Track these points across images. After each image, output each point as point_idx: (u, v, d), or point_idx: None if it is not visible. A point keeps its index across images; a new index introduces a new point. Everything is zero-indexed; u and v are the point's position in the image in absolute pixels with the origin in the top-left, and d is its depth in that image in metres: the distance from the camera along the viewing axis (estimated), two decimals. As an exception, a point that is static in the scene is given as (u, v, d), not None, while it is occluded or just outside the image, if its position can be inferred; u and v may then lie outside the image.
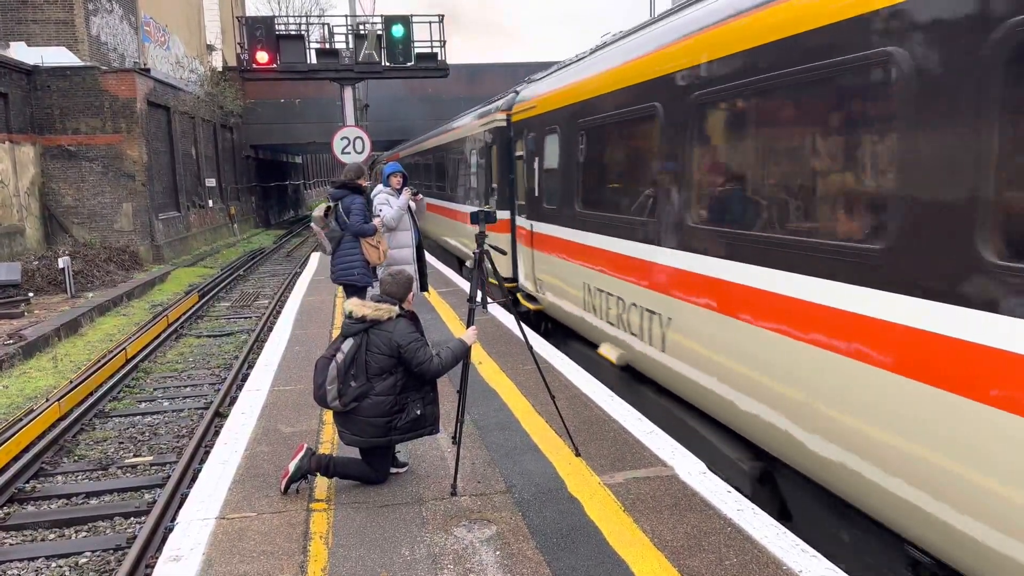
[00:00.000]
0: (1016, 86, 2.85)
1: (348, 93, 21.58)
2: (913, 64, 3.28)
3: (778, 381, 4.34)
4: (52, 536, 6.05)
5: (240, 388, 7.90)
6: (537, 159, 9.35)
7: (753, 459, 4.96)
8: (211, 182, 31.00)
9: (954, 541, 3.21)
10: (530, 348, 5.41)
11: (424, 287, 8.50)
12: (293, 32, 22.37)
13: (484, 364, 7.46)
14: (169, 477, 6.86)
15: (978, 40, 2.96)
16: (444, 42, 22.76)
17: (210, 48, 41.35)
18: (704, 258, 5.14)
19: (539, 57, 58.61)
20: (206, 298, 17.01)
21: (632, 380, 6.82)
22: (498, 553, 3.84)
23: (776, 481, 4.86)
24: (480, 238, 5.36)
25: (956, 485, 3.15)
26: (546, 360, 7.33)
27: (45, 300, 15.57)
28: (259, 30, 20.64)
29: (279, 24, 23.05)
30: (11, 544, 5.91)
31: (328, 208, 7.58)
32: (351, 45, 21.64)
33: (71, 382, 9.95)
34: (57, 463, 7.50)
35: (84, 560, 5.62)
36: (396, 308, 4.58)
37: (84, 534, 6.07)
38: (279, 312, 12.14)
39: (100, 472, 7.30)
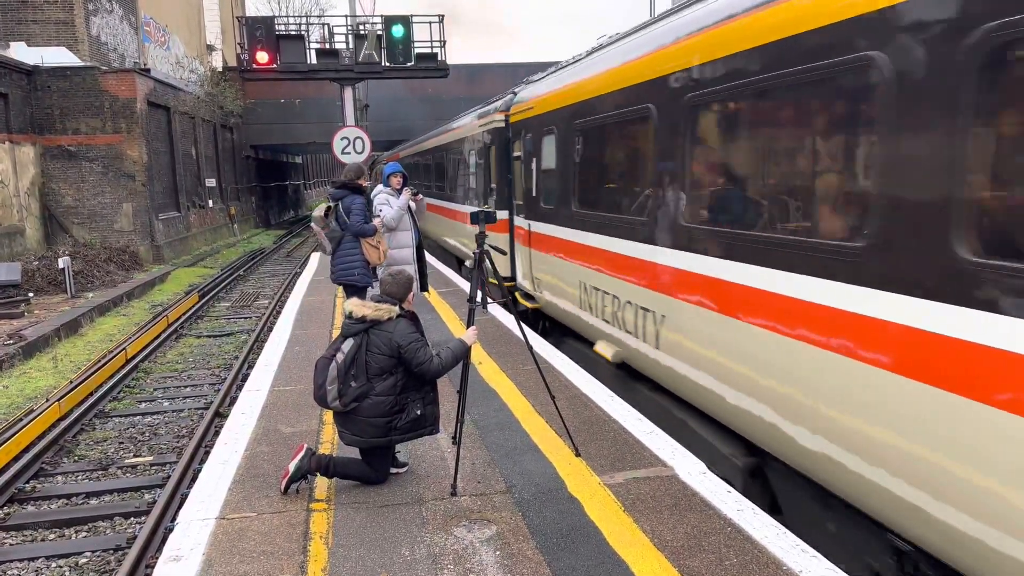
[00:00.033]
0: (988, 92, 2.94)
1: (348, 93, 21.59)
2: (893, 68, 3.36)
3: (767, 376, 4.43)
4: (52, 536, 6.06)
5: (240, 388, 7.90)
6: (535, 159, 9.45)
7: (747, 455, 5.04)
8: (211, 182, 31.00)
9: (927, 525, 3.34)
10: (530, 348, 5.41)
11: (424, 287, 8.51)
12: (293, 32, 22.37)
13: (484, 364, 7.46)
14: (169, 477, 6.86)
15: (951, 48, 3.05)
16: (444, 42, 22.77)
17: (210, 48, 41.37)
18: (698, 257, 5.22)
19: (539, 57, 58.70)
20: (206, 298, 17.02)
21: (628, 377, 6.87)
22: (498, 553, 3.84)
23: (767, 476, 4.93)
24: (480, 238, 5.36)
25: (936, 476, 3.23)
26: (546, 360, 7.34)
27: (45, 300, 15.57)
28: (259, 30, 20.65)
29: (279, 24, 23.05)
30: (11, 544, 5.91)
31: (328, 208, 7.58)
32: (351, 45, 21.64)
33: (71, 382, 9.95)
34: (57, 463, 7.50)
35: (84, 560, 5.62)
36: (396, 308, 4.58)
37: (84, 534, 6.08)
38: (279, 312, 12.14)
39: (100, 472, 7.30)
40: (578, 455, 5.05)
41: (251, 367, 8.55)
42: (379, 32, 21.33)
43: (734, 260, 4.71)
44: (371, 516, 4.31)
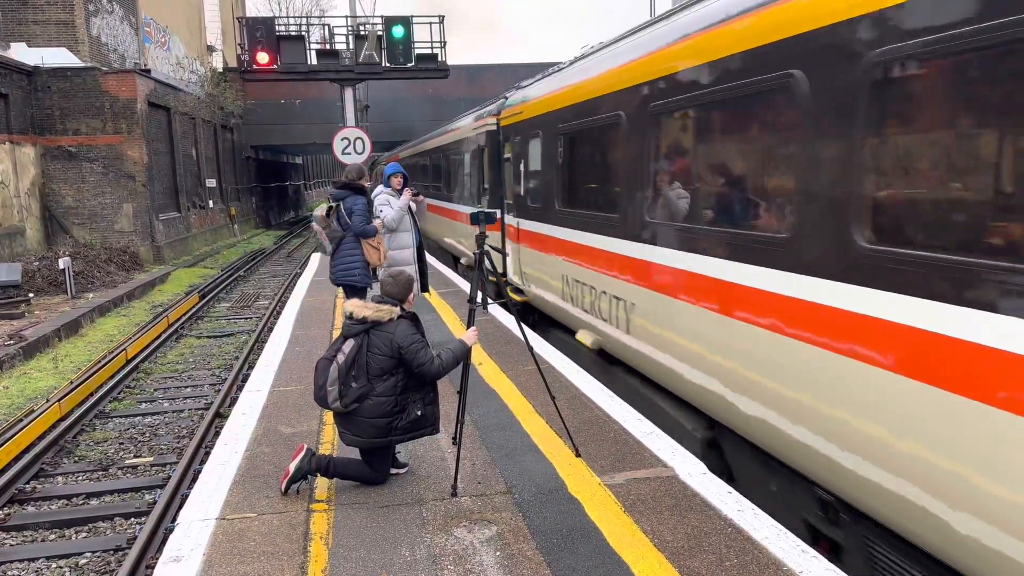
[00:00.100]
0: (879, 104, 3.48)
1: (348, 94, 21.58)
2: (808, 84, 3.91)
3: (714, 352, 4.97)
4: (52, 537, 6.06)
5: (240, 389, 7.91)
6: (523, 161, 10.01)
7: (707, 429, 5.54)
8: (211, 183, 31.02)
9: (844, 479, 3.83)
10: (530, 348, 5.42)
11: (425, 288, 8.52)
12: (293, 33, 22.35)
13: (484, 365, 7.47)
14: (169, 478, 6.86)
15: (848, 68, 3.62)
16: (444, 43, 22.78)
17: (210, 49, 41.40)
18: (658, 249, 5.81)
19: (539, 58, 58.63)
20: (206, 299, 17.02)
21: (605, 364, 7.43)
22: (498, 554, 3.84)
23: (722, 447, 5.43)
24: (481, 239, 5.36)
25: (847, 432, 3.70)
26: (546, 361, 7.35)
27: (45, 301, 15.58)
28: (259, 31, 20.64)
29: (279, 25, 23.04)
30: (11, 545, 5.91)
31: (330, 208, 7.58)
32: (351, 46, 21.62)
33: (71, 383, 9.96)
34: (57, 464, 7.50)
35: (84, 561, 5.62)
36: (397, 309, 4.58)
37: (84, 535, 6.08)
38: (279, 313, 12.15)
39: (100, 473, 7.30)
40: (578, 455, 5.05)
41: (251, 368, 8.55)
42: (379, 33, 21.32)
43: (689, 251, 5.29)
44: (371, 516, 4.31)
